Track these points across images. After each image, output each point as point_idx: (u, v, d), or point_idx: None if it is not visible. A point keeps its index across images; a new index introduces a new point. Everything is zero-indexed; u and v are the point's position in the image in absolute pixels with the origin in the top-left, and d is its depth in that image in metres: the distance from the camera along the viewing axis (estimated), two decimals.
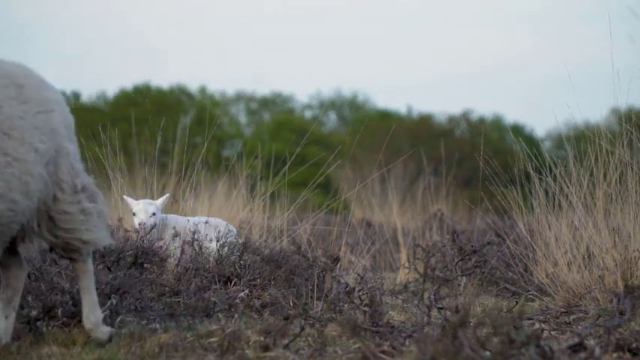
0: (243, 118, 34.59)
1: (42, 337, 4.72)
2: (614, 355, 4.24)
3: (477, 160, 7.34)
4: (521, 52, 50.40)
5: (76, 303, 4.93)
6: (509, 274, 7.16)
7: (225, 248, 6.42)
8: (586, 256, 6.44)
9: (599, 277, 6.29)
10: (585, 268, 6.39)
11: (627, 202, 6.52)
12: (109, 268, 5.89)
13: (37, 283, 5.31)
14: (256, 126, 33.36)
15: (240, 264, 6.28)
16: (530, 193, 6.96)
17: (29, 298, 4.97)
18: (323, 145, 20.88)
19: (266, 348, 4.44)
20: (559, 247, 6.58)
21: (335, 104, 34.94)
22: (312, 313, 5.47)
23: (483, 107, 53.14)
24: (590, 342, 4.24)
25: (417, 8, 53.69)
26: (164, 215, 6.93)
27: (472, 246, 7.48)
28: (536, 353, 3.66)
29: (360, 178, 8.99)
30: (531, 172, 6.90)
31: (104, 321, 4.87)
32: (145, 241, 6.39)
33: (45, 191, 4.44)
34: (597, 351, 3.90)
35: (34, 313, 4.82)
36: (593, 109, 7.65)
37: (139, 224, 6.74)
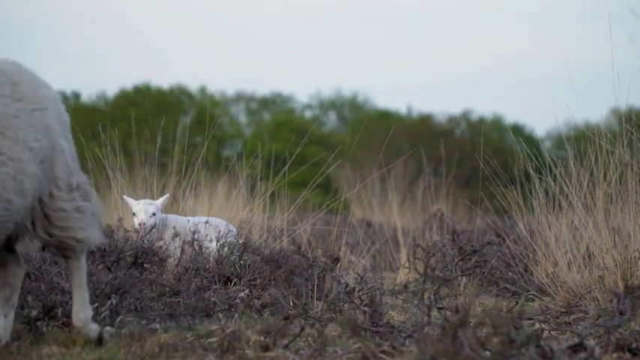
0: (243, 118, 34.61)
1: (42, 337, 4.72)
2: (614, 355, 4.24)
3: (477, 160, 7.34)
4: (521, 52, 50.43)
5: None
6: (509, 274, 7.16)
7: (225, 248, 6.42)
8: (586, 256, 6.44)
9: (599, 277, 6.29)
10: (585, 268, 6.39)
11: (627, 202, 6.52)
12: (109, 268, 5.89)
13: (37, 283, 5.31)
14: (256, 126, 33.36)
15: (240, 264, 6.29)
16: (530, 193, 6.96)
17: (29, 298, 4.97)
18: (323, 145, 20.89)
19: (266, 348, 4.44)
20: (559, 247, 6.58)
21: (335, 104, 34.96)
22: (312, 313, 5.46)
23: (483, 107, 53.17)
24: (590, 342, 4.24)
25: (417, 8, 53.71)
26: (164, 215, 6.93)
27: (472, 246, 7.48)
28: (536, 353, 3.66)
29: (360, 178, 8.99)
30: (531, 172, 6.89)
31: (104, 321, 4.87)
32: (145, 241, 6.39)
33: (39, 189, 4.44)
34: (597, 351, 3.90)
35: (34, 313, 4.82)
36: (593, 109, 7.66)
37: (139, 224, 6.74)
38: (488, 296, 7.17)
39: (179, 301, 5.61)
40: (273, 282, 6.18)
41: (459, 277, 7.24)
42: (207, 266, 6.28)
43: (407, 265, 8.38)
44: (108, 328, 4.86)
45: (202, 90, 31.84)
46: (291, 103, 35.01)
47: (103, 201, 8.17)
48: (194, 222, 6.81)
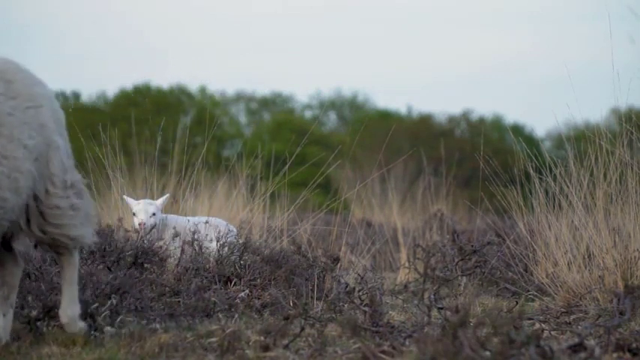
0: (243, 118, 34.61)
1: (42, 337, 4.72)
2: (614, 355, 4.24)
3: (477, 160, 7.34)
4: (521, 52, 50.41)
5: None
6: (509, 274, 7.16)
7: (226, 248, 6.42)
8: (586, 256, 6.44)
9: (599, 277, 6.29)
10: (585, 268, 6.39)
11: (627, 202, 6.52)
12: (109, 268, 5.90)
13: (37, 283, 5.31)
14: (256, 126, 33.36)
15: (241, 264, 6.29)
16: (530, 193, 6.96)
17: (29, 298, 4.97)
18: (323, 145, 20.89)
19: (266, 348, 4.44)
20: (559, 247, 6.58)
21: (335, 104, 34.95)
22: (312, 313, 5.46)
23: (483, 107, 53.13)
24: (590, 342, 4.24)
25: (417, 8, 53.68)
26: (164, 215, 6.94)
27: (472, 246, 7.48)
28: (536, 353, 3.66)
29: (360, 178, 8.99)
30: (531, 172, 6.89)
31: (104, 321, 4.87)
32: (145, 241, 6.39)
33: (34, 187, 4.44)
34: (597, 351, 3.90)
35: (34, 313, 4.82)
36: (593, 109, 7.65)
37: (139, 224, 6.74)
38: (488, 296, 7.17)
39: (179, 301, 5.61)
40: (273, 282, 6.18)
41: (459, 277, 7.24)
42: (207, 266, 6.28)
43: (407, 265, 8.38)
44: (108, 328, 4.86)
45: (202, 90, 31.86)
46: (291, 103, 35.03)
47: (103, 201, 8.17)
48: (194, 222, 6.81)
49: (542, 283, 6.64)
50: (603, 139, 6.66)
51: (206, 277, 6.12)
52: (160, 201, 6.92)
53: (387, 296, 7.14)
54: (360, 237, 9.32)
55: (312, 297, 6.02)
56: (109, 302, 5.06)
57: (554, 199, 6.78)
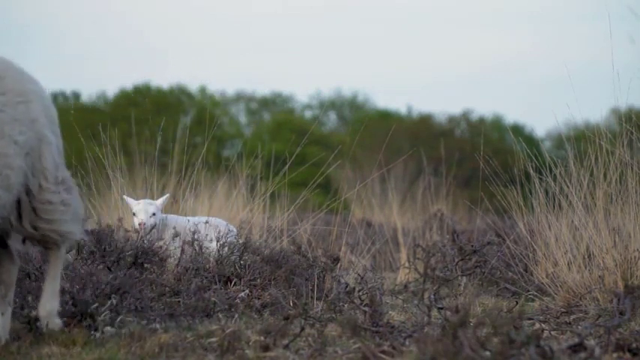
0: (243, 118, 34.61)
1: (42, 337, 4.72)
2: (614, 355, 4.24)
3: (477, 160, 7.34)
4: (521, 52, 50.42)
5: (76, 303, 4.93)
6: (509, 274, 7.16)
7: (226, 248, 6.42)
8: (586, 256, 6.44)
9: (599, 277, 6.29)
10: (585, 268, 6.39)
11: (627, 202, 6.52)
12: (109, 268, 5.90)
13: (37, 283, 5.31)
14: (256, 126, 33.36)
15: (241, 264, 6.29)
16: (530, 193, 6.96)
17: (29, 298, 4.97)
18: (323, 145, 20.89)
19: (266, 348, 4.44)
20: (559, 247, 6.58)
21: (335, 104, 34.95)
22: (312, 313, 5.46)
23: (483, 107, 53.16)
24: (590, 342, 4.24)
25: (417, 8, 53.70)
26: (164, 215, 6.94)
27: (472, 246, 7.48)
28: (536, 353, 3.66)
29: (360, 178, 9.00)
30: (531, 172, 6.89)
31: (104, 321, 4.87)
32: (145, 241, 6.39)
33: (26, 183, 4.44)
34: (597, 351, 3.90)
35: (34, 313, 4.82)
36: (593, 109, 7.66)
37: (139, 224, 6.74)
38: (488, 296, 7.17)
39: (179, 301, 5.61)
40: (273, 282, 6.18)
41: (459, 277, 7.24)
42: (207, 266, 6.28)
43: (407, 265, 8.37)
44: (108, 328, 4.86)
45: (202, 90, 31.87)
46: (291, 103, 35.03)
47: (103, 201, 8.18)
48: (194, 222, 6.81)
49: (542, 283, 6.64)
50: (603, 139, 6.66)
51: (206, 277, 6.12)
52: (160, 201, 6.93)
53: (387, 296, 7.14)
54: (360, 237, 9.32)
55: (312, 297, 6.02)
56: (109, 302, 5.06)
57: (554, 199, 6.78)
